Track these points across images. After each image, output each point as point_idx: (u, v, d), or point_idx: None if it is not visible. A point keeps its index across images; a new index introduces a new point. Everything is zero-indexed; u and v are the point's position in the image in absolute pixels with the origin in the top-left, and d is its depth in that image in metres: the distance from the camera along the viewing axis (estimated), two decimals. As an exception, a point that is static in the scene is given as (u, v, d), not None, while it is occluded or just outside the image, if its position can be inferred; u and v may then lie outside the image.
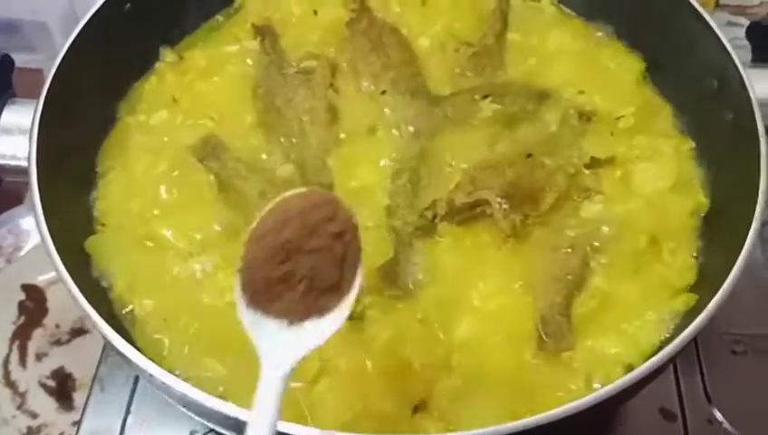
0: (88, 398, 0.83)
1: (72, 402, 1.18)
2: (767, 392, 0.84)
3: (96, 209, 0.78)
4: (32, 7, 1.30)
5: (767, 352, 0.86)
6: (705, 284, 0.71)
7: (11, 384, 1.20)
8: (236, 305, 0.51)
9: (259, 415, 0.48)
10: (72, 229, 0.75)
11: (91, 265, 0.74)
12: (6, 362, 1.22)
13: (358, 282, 0.52)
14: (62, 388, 1.20)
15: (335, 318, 0.51)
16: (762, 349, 0.86)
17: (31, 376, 1.21)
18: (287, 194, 0.54)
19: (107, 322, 0.63)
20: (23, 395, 1.19)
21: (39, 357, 1.22)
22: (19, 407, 1.18)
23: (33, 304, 1.28)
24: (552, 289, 0.71)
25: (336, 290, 0.52)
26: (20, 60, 1.21)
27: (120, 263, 0.73)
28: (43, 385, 1.20)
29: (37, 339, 1.23)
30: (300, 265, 0.50)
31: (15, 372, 1.21)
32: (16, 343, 1.24)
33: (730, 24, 1.22)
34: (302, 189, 0.55)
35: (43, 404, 1.18)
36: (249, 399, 0.50)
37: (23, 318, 1.26)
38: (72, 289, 0.62)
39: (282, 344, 0.50)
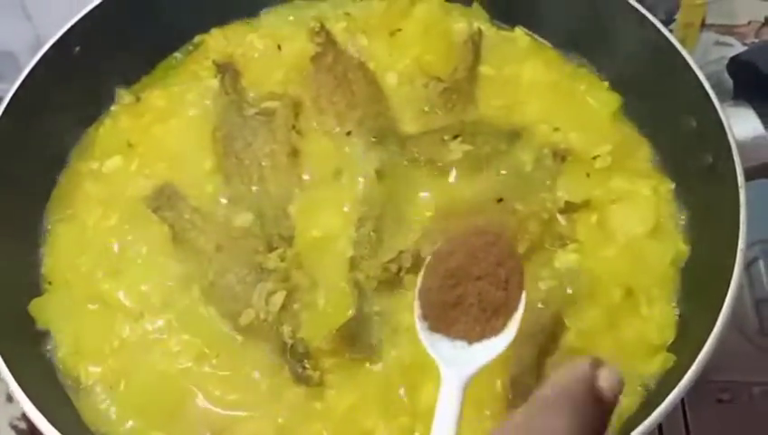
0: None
1: (42, 446, 1.14)
2: (755, 444, 0.80)
3: (43, 266, 0.74)
4: (-2, 37, 1.27)
5: (755, 400, 0.82)
6: (684, 342, 0.67)
7: (-20, 427, 1.16)
8: (417, 328, 0.59)
9: (443, 418, 0.52)
10: (17, 289, 0.71)
11: (35, 328, 0.70)
12: (-25, 404, 1.18)
13: (523, 303, 0.57)
14: (33, 429, 1.17)
15: (504, 337, 0.57)
16: (750, 397, 0.82)
17: (1, 418, 1.17)
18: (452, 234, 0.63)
19: (49, 401, 0.59)
20: (-7, 438, 1.16)
21: (10, 398, 1.19)
22: (-11, 451, 1.14)
23: (4, 342, 1.24)
24: (522, 348, 0.67)
25: (504, 310, 0.57)
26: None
27: (66, 326, 0.70)
28: (14, 427, 1.17)
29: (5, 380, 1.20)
30: (468, 290, 0.57)
31: (-15, 414, 1.18)
32: (-15, 384, 1.20)
33: (718, 43, 1.17)
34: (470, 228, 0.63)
35: (14, 447, 1.14)
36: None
37: (-9, 359, 1.22)
38: (8, 380, 0.59)
39: (460, 360, 0.56)
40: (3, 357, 0.61)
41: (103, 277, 0.73)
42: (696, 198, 0.74)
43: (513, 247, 0.60)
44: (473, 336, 0.57)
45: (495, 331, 0.56)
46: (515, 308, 0.57)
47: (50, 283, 0.73)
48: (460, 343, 0.57)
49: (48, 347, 0.69)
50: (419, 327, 0.58)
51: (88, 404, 0.67)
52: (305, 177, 0.79)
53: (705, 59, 1.11)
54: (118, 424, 0.65)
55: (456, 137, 0.80)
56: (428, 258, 0.60)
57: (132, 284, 0.72)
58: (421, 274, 0.59)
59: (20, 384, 0.60)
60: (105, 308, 0.71)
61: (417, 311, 0.59)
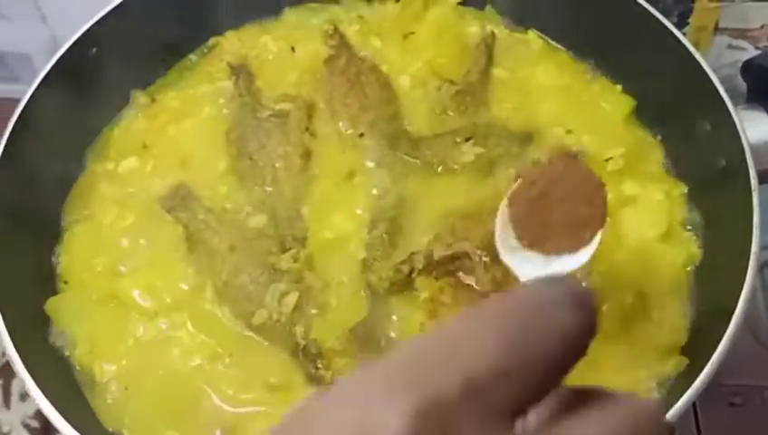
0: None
1: (55, 444, 1.15)
2: (768, 448, 0.79)
3: (59, 266, 0.75)
4: (14, 39, 1.29)
5: (768, 404, 0.81)
6: (697, 345, 0.67)
7: (-6, 425, 1.18)
8: (498, 249, 0.60)
9: None
10: (33, 288, 0.72)
11: (50, 327, 0.71)
12: (-10, 402, 1.20)
13: (606, 216, 0.59)
14: (45, 428, 1.18)
15: (585, 251, 0.58)
16: (762, 401, 0.82)
17: (14, 416, 1.18)
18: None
19: (65, 399, 0.60)
20: (6, 436, 1.17)
21: (23, 397, 1.20)
22: (2, 449, 1.15)
23: (18, 341, 1.25)
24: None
25: (591, 225, 0.58)
26: (4, 90, 1.20)
27: (82, 325, 0.70)
28: (27, 426, 1.18)
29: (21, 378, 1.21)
30: (555, 210, 0.59)
31: (-1, 412, 1.19)
32: (0, 382, 1.21)
33: (731, 47, 1.17)
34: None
35: (27, 446, 1.15)
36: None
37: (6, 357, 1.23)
38: (25, 378, 0.60)
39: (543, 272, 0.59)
40: (19, 355, 0.62)
41: (118, 277, 0.73)
42: (709, 201, 0.74)
43: (591, 170, 0.62)
44: (564, 249, 0.59)
45: (584, 242, 0.59)
46: (601, 223, 0.59)
47: (66, 282, 0.74)
48: (548, 258, 0.59)
49: (64, 345, 0.70)
50: (500, 247, 0.61)
51: (103, 402, 0.67)
52: (318, 178, 0.80)
53: (719, 62, 1.11)
54: (132, 422, 0.66)
55: (468, 139, 0.80)
56: (511, 190, 0.62)
57: (147, 283, 0.72)
58: (505, 202, 0.62)
59: (36, 382, 0.61)
60: (120, 307, 0.72)
61: (500, 231, 0.61)
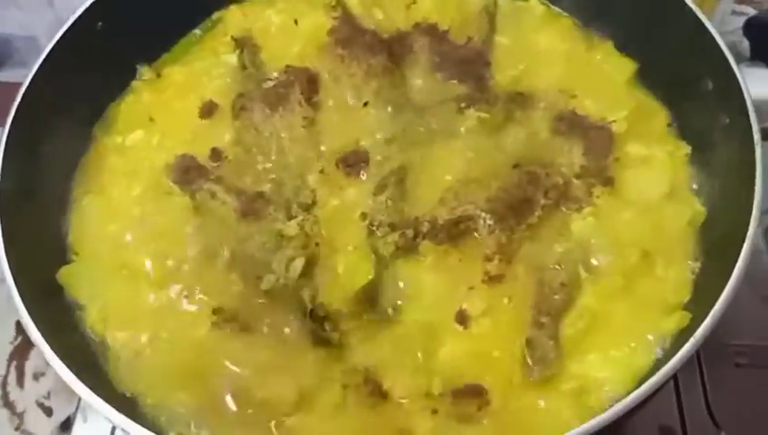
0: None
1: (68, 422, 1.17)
2: (773, 407, 0.80)
3: (70, 236, 0.76)
4: (21, 22, 1.30)
5: (773, 363, 0.82)
6: (700, 300, 0.67)
7: (9, 404, 1.19)
8: None
9: None
10: (45, 258, 0.73)
11: (63, 296, 0.72)
12: (4, 382, 1.21)
13: None
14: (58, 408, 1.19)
15: None
16: (767, 361, 0.82)
17: (28, 396, 1.20)
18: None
19: (79, 364, 0.61)
20: (20, 416, 1.18)
21: (36, 377, 1.21)
22: (17, 428, 1.16)
23: (32, 322, 1.26)
24: (539, 309, 0.68)
25: None
26: (11, 75, 1.21)
27: (94, 294, 0.72)
28: (41, 405, 1.19)
29: (34, 358, 1.22)
30: None
31: (13, 392, 1.20)
32: (14, 362, 1.22)
33: (735, 13, 1.16)
34: None
35: (41, 424, 1.17)
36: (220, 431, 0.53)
37: (20, 338, 1.24)
38: (41, 346, 0.61)
39: None
40: (34, 322, 0.63)
41: (128, 247, 0.75)
42: (713, 159, 0.74)
43: None
44: None
45: None
46: None
47: (76, 253, 0.75)
48: None
49: (76, 314, 0.71)
50: None
51: (116, 367, 0.69)
52: (323, 147, 0.80)
53: (723, 29, 1.10)
54: (144, 386, 0.67)
55: (471, 105, 0.80)
56: None
57: (156, 252, 0.74)
58: None
59: (53, 349, 0.61)
60: (130, 276, 0.73)
61: None
